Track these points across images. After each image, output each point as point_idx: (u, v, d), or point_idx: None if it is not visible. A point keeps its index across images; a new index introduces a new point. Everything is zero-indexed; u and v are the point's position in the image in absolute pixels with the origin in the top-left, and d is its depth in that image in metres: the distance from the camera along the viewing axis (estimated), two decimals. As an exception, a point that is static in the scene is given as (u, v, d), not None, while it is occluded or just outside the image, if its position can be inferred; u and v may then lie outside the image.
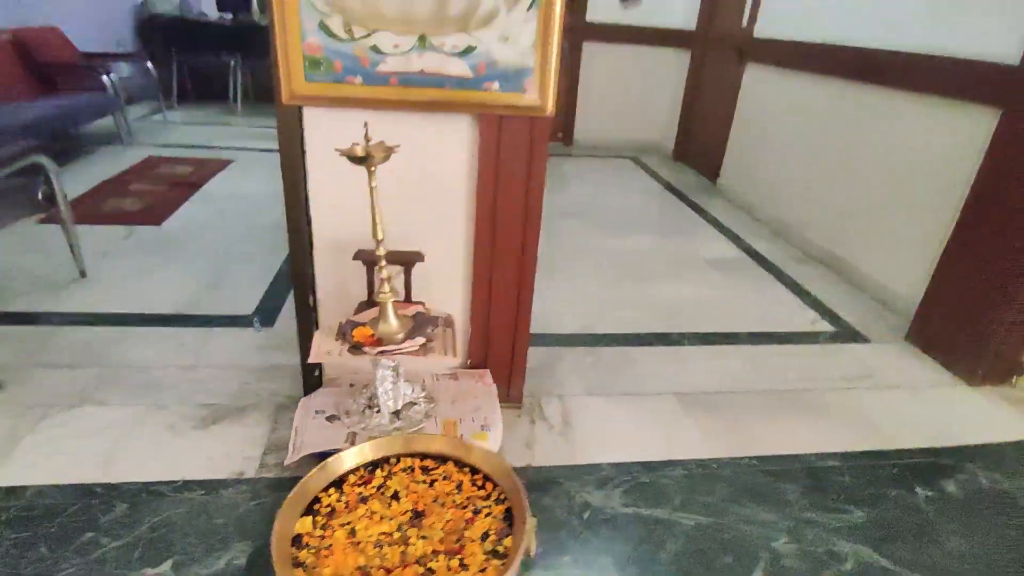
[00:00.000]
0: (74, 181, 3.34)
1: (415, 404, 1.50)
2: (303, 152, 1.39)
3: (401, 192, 1.44)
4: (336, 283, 1.54)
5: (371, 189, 1.23)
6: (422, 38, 1.27)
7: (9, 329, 1.96)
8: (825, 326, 2.37)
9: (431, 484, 1.29)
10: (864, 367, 2.10)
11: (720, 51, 4.15)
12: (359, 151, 1.18)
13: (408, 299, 1.50)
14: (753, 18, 3.65)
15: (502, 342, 1.66)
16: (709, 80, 4.33)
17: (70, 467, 1.42)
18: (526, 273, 1.58)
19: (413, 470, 1.33)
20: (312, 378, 1.66)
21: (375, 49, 1.28)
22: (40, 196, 2.10)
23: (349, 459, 1.27)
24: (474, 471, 1.32)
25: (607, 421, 1.72)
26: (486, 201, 1.47)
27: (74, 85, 3.68)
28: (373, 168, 1.20)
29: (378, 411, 1.46)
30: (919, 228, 2.33)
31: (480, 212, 1.48)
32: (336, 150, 1.17)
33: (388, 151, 1.21)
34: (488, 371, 1.67)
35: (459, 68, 1.31)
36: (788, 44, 3.26)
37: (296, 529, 1.15)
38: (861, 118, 2.70)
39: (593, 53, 4.69)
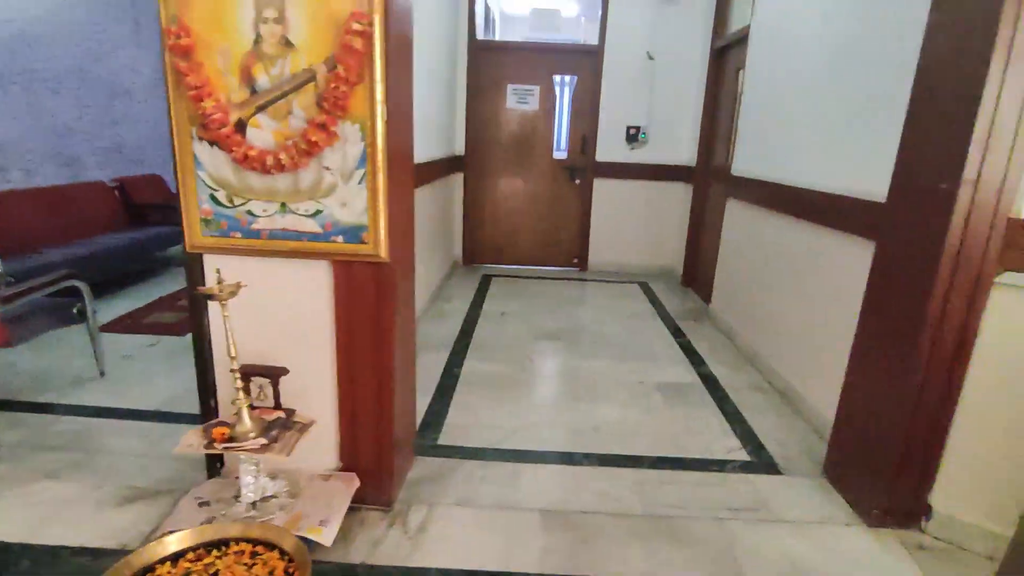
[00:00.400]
0: (139, 296, 4.09)
1: (275, 498, 1.76)
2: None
3: (277, 320, 1.80)
4: (231, 391, 1.88)
5: (224, 318, 1.59)
6: (283, 205, 1.69)
7: (28, 416, 2.47)
8: (742, 455, 2.38)
9: (251, 567, 1.52)
10: (758, 499, 2.09)
11: (714, 185, 4.41)
12: (214, 290, 1.57)
13: (277, 406, 1.80)
14: (731, 156, 3.91)
15: (369, 450, 1.90)
16: (707, 212, 4.56)
17: (8, 529, 1.78)
18: (384, 390, 1.84)
19: (243, 553, 1.56)
20: (214, 469, 1.98)
21: (249, 212, 1.70)
22: (76, 311, 2.68)
23: (181, 539, 1.54)
24: (291, 560, 1.54)
25: (462, 531, 1.87)
26: (343, 328, 1.79)
27: (160, 219, 4.60)
28: (224, 302, 1.58)
29: (239, 501, 1.73)
30: (841, 357, 2.35)
31: (339, 337, 1.80)
32: (197, 289, 1.57)
33: (235, 289, 1.58)
34: (354, 475, 1.90)
35: (311, 226, 1.70)
36: (752, 181, 3.47)
37: (122, 592, 1.41)
38: (800, 250, 2.82)
39: (603, 188, 5.10)
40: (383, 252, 1.70)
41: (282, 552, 1.56)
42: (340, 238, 1.70)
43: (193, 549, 1.55)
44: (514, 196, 5.23)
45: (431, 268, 4.31)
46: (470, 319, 3.92)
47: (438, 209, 4.49)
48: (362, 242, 1.70)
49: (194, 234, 1.73)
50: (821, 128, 2.67)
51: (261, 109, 1.62)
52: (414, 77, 3.34)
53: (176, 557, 1.53)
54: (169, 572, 1.48)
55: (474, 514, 1.95)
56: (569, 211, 5.24)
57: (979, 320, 1.79)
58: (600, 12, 4.82)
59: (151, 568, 1.49)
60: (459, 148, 5.01)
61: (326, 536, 1.67)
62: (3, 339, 2.34)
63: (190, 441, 1.65)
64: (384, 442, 1.90)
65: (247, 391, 1.79)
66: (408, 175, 1.91)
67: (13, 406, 2.50)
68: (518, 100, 4.97)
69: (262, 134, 1.63)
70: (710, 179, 4.54)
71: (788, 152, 3.01)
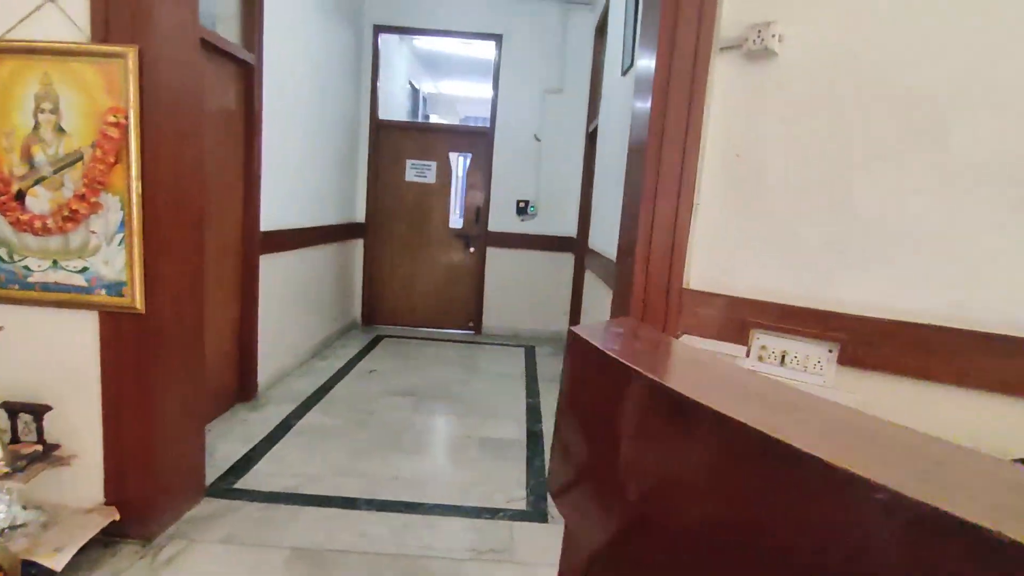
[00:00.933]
0: None
1: (24, 527, 1.93)
2: (-12, 332, 2.03)
3: (50, 362, 2.03)
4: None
5: (-19, 358, 1.82)
6: (55, 261, 1.95)
7: None
8: (520, 505, 2.57)
9: (-30, 586, 1.68)
10: (508, 544, 2.28)
11: (589, 256, 4.77)
12: (-27, 333, 1.80)
13: (40, 440, 2.00)
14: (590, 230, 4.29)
15: (133, 487, 2.09)
16: (583, 280, 4.90)
17: None
18: (147, 432, 2.05)
19: (-29, 574, 1.72)
20: (-8, 503, 2.14)
21: (26, 267, 1.96)
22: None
23: (-90, 556, 1.70)
24: (11, 580, 1.70)
25: (207, 565, 2.03)
26: (108, 372, 2.02)
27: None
28: (-20, 344, 1.81)
29: (-10, 528, 1.89)
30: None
31: (105, 380, 2.03)
32: (-42, 331, 1.80)
33: (-9, 333, 1.82)
34: (114, 509, 2.07)
35: (79, 280, 1.96)
36: (596, 252, 3.82)
37: None
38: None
39: (496, 256, 5.45)
40: (139, 305, 1.95)
41: (6, 573, 1.73)
42: (103, 291, 1.96)
43: (-77, 569, 1.71)
44: (412, 262, 5.55)
45: (317, 326, 4.54)
46: (338, 375, 4.13)
47: (331, 271, 4.77)
48: (122, 295, 1.95)
49: (-27, 285, 1.98)
50: (614, 208, 3.03)
51: (38, 182, 1.91)
52: (304, 152, 3.70)
53: (-97, 575, 1.69)
54: None
55: (229, 551, 2.11)
56: (464, 277, 5.56)
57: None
58: (492, 97, 5.32)
59: None
60: (359, 216, 5.36)
61: (57, 561, 1.83)
62: None
63: (-59, 469, 1.84)
64: (149, 480, 2.09)
65: (14, 426, 1.99)
66: (189, 239, 2.18)
67: None
68: (416, 174, 5.38)
69: (39, 202, 1.92)
70: (585, 250, 4.91)
71: (606, 228, 3.37)
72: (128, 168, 1.88)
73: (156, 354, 2.03)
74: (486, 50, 6.07)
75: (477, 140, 5.41)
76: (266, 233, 3.48)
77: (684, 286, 2.00)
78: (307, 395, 3.69)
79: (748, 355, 1.92)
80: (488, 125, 5.35)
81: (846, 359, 1.69)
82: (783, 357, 1.84)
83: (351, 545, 2.20)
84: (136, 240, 1.92)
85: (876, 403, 1.65)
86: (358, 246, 5.42)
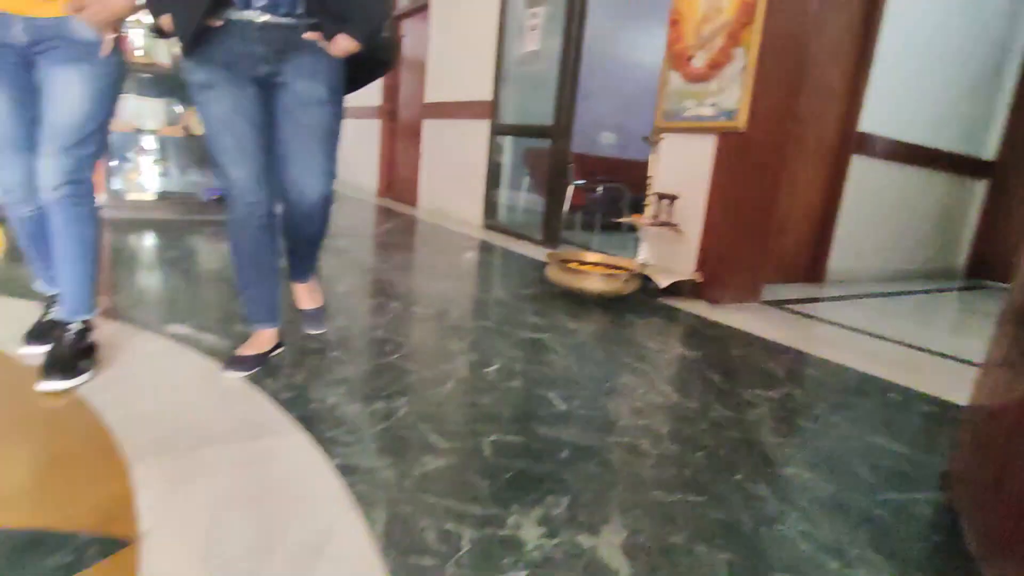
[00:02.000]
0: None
1: (651, 265, 3.09)
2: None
3: (686, 167, 3.11)
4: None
5: (652, 158, 3.03)
6: (698, 101, 3.00)
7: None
8: None
9: (616, 273, 2.93)
10: None
11: None
12: (651, 138, 3.02)
13: (669, 217, 3.11)
14: None
15: (714, 266, 2.98)
16: None
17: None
18: (731, 222, 2.89)
19: (619, 269, 2.98)
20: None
21: (683, 107, 3.09)
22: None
23: (594, 257, 3.07)
24: (632, 274, 2.85)
25: (744, 318, 2.72)
26: (715, 178, 2.95)
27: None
28: (653, 146, 3.01)
29: (638, 258, 3.14)
30: None
31: (712, 183, 2.96)
32: (645, 138, 3.07)
33: (659, 139, 2.99)
34: (700, 274, 3.01)
35: (709, 112, 2.94)
36: None
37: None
38: None
39: None
40: (742, 126, 2.78)
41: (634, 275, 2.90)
42: (723, 118, 2.88)
43: (598, 264, 3.06)
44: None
45: (900, 253, 4.49)
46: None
47: (933, 202, 4.56)
48: (733, 120, 2.83)
49: (658, 119, 3.25)
50: None
51: (699, 48, 2.98)
52: (923, 65, 4.02)
53: (584, 263, 3.07)
54: (578, 264, 3.03)
55: (768, 316, 2.75)
56: None
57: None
58: None
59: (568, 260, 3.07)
60: (987, 153, 4.79)
61: (661, 281, 2.90)
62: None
63: (627, 217, 3.18)
64: (721, 265, 2.95)
65: (659, 205, 3.19)
66: (784, 81, 2.84)
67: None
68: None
69: (697, 60, 2.99)
70: None
71: None
72: (752, 26, 2.70)
73: (745, 163, 2.83)
74: None
75: None
76: (861, 134, 3.79)
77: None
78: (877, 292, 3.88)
79: None
80: None
81: None
82: None
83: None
84: (749, 79, 2.74)
85: None
86: (976, 187, 4.89)
